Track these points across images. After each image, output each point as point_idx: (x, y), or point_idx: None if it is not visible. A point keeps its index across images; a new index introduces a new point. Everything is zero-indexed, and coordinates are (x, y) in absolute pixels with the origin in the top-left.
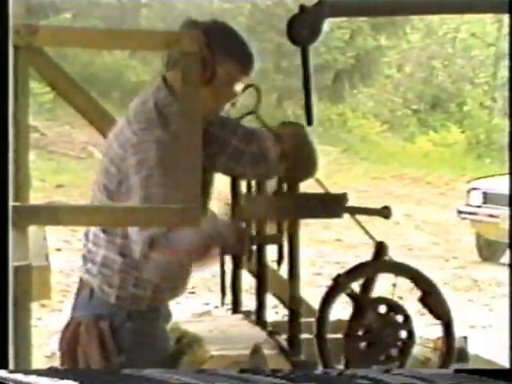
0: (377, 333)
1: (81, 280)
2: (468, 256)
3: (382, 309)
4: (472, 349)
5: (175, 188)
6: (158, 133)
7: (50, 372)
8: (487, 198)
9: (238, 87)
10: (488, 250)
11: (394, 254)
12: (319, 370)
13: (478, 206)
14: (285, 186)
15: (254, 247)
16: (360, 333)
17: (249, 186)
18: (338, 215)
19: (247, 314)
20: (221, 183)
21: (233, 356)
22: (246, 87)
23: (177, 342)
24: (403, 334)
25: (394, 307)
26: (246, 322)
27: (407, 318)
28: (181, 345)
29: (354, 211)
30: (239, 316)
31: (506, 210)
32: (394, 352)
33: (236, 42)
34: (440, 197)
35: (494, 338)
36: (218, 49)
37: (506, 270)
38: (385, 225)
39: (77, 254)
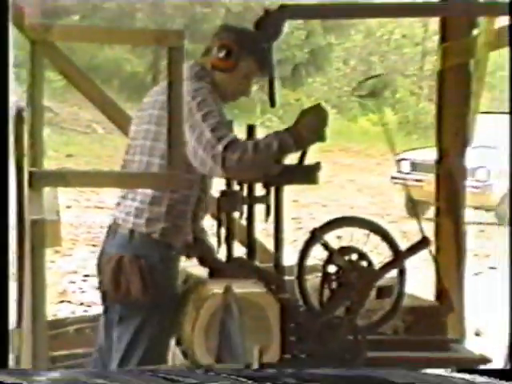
0: (346, 275)
1: (114, 221)
2: (399, 213)
3: (350, 256)
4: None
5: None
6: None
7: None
8: (414, 166)
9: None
10: (414, 208)
11: (341, 211)
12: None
13: (407, 173)
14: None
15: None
16: (332, 275)
17: None
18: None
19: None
20: None
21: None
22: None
23: (184, 282)
24: (368, 276)
25: (360, 254)
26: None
27: (370, 263)
28: (188, 285)
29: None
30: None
31: (429, 176)
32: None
33: (260, 47)
34: (377, 166)
35: (418, 278)
36: (246, 48)
37: (428, 224)
38: (333, 189)
39: (84, 210)
